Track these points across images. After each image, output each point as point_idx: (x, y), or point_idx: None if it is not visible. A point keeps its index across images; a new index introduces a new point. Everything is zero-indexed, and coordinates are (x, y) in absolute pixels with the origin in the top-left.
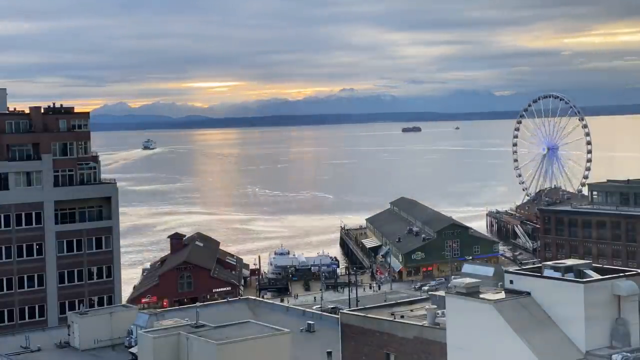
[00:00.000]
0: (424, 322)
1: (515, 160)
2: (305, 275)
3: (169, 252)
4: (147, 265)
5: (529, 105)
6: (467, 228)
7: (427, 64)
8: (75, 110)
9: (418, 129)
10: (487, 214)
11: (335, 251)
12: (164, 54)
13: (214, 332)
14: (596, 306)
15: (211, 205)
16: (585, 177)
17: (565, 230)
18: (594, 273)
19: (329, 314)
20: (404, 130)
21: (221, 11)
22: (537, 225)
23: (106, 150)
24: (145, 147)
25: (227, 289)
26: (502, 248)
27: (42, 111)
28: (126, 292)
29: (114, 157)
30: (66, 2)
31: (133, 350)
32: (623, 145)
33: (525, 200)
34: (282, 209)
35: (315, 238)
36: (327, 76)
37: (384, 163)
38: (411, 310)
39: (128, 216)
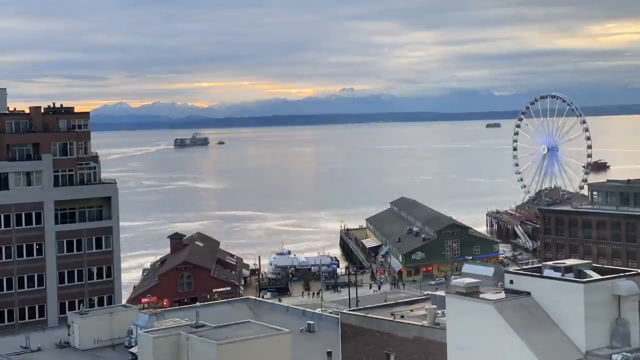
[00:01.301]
0: (424, 322)
1: (515, 157)
2: (305, 275)
3: (169, 252)
4: (147, 265)
5: (529, 105)
6: (467, 228)
7: (427, 64)
8: (76, 110)
9: (498, 125)
10: (487, 214)
11: (335, 251)
12: (164, 54)
13: (214, 332)
14: (596, 306)
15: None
16: (585, 178)
17: (565, 230)
18: (594, 273)
19: (329, 314)
20: (488, 125)
21: (221, 12)
22: (537, 225)
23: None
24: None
25: (228, 289)
26: (502, 248)
27: (42, 111)
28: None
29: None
30: (66, 1)
31: (133, 350)
32: (624, 145)
33: (525, 200)
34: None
35: None
36: (327, 76)
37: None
38: (411, 310)
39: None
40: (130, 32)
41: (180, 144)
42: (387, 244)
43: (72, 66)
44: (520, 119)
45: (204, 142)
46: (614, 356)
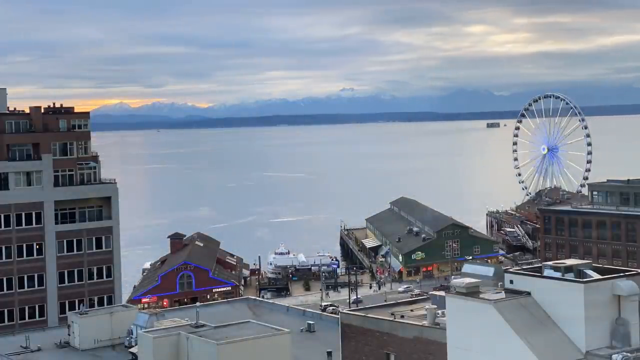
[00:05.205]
0: (424, 322)
1: (516, 159)
2: (305, 275)
3: (169, 252)
4: (147, 265)
5: (529, 105)
6: (467, 228)
7: (427, 64)
8: (76, 110)
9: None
10: (487, 214)
11: (335, 251)
12: (163, 54)
13: (214, 332)
14: (596, 306)
15: None
16: (586, 177)
17: (565, 230)
18: (594, 273)
19: (328, 314)
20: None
21: (222, 13)
22: (537, 225)
23: None
24: None
25: (228, 288)
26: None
27: (42, 111)
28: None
29: None
30: (67, 2)
31: (133, 350)
32: (624, 145)
33: (525, 200)
34: None
35: None
36: (327, 76)
37: None
38: (411, 310)
39: None
40: (130, 32)
41: (491, 125)
42: (387, 244)
43: (72, 66)
44: (520, 121)
45: (496, 125)
46: (614, 356)
